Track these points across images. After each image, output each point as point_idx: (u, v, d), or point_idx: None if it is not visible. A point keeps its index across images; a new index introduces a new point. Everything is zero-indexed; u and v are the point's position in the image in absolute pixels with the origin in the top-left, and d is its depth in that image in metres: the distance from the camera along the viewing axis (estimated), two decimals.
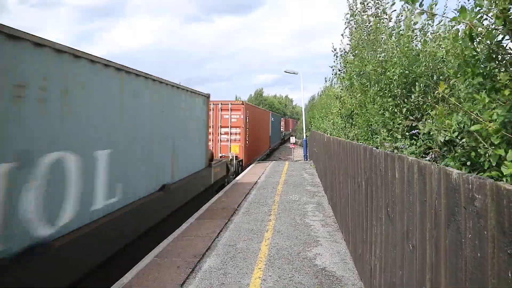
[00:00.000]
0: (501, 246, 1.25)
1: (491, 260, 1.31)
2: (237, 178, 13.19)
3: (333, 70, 8.48)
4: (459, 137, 2.35)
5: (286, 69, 21.92)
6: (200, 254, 5.31)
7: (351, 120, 7.77)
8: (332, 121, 10.09)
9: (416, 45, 4.97)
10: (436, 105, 2.74)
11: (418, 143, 3.15)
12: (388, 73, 4.61)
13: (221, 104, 15.90)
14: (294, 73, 22.00)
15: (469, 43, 2.06)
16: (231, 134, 15.76)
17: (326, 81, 16.24)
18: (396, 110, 4.38)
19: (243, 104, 16.17)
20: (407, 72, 4.44)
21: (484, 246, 1.36)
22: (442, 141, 2.48)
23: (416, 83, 4.14)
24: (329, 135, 9.36)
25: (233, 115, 15.90)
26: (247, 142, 16.55)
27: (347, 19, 7.43)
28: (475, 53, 2.09)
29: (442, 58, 4.09)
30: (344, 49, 7.99)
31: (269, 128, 26.40)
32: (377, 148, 3.59)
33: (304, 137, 21.82)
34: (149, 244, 5.84)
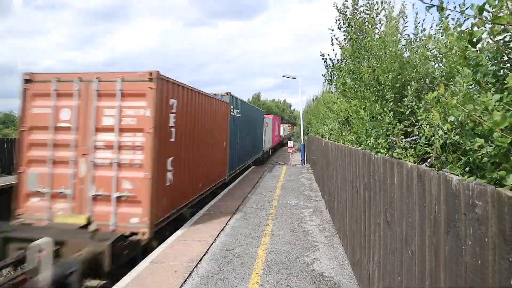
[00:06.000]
0: (502, 254, 1.24)
1: (492, 268, 1.30)
2: None
3: (325, 78, 8.67)
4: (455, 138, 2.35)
5: (285, 73, 22.02)
6: (197, 258, 5.28)
7: (347, 125, 7.80)
8: (329, 126, 10.12)
9: (404, 50, 5.04)
10: (432, 109, 2.74)
11: (417, 148, 3.15)
12: (380, 77, 4.62)
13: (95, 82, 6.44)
14: (292, 78, 22.07)
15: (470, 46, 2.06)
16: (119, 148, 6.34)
17: (323, 86, 16.33)
18: (385, 115, 4.38)
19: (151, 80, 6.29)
20: (399, 76, 4.46)
21: (485, 253, 1.35)
22: (439, 146, 2.48)
23: (408, 86, 4.16)
24: (327, 139, 9.37)
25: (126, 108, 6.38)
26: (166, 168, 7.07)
27: (338, 22, 7.65)
28: (475, 54, 2.09)
29: (434, 60, 4.14)
30: (335, 57, 8.20)
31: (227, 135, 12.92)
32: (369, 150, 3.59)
33: (302, 141, 21.84)
34: None
